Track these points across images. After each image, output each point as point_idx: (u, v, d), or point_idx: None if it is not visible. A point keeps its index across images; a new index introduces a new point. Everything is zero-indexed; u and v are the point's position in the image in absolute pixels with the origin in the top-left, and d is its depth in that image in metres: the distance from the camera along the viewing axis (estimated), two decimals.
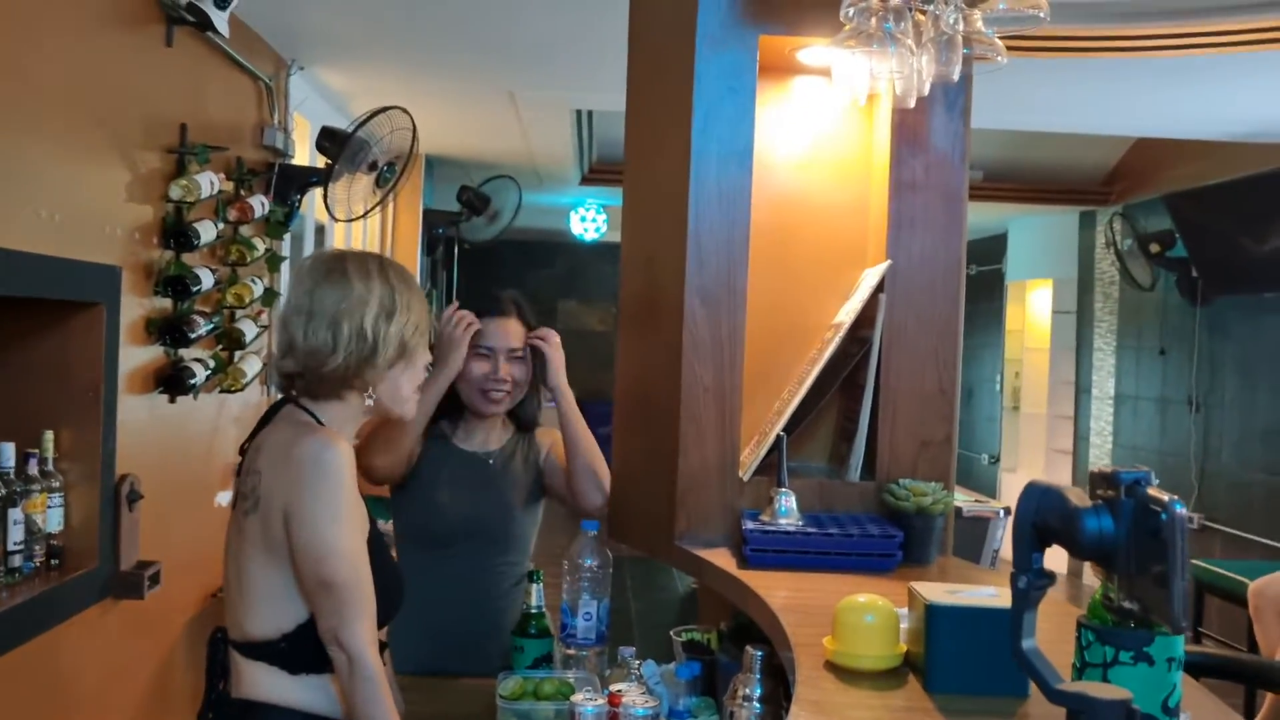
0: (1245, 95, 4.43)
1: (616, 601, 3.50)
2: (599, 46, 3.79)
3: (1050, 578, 0.84)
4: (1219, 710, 1.30)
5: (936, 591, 1.35)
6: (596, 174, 6.98)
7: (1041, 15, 1.57)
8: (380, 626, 1.68)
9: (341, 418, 1.69)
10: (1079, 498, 0.84)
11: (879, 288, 2.14)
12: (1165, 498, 0.81)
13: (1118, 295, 7.28)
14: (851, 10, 1.65)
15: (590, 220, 8.95)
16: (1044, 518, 0.83)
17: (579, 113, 5.54)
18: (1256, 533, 5.81)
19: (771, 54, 2.20)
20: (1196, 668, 2.22)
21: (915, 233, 2.16)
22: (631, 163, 2.39)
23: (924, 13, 1.65)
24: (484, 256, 9.03)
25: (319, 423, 1.67)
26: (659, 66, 2.28)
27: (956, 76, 1.78)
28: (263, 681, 1.63)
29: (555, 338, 2.47)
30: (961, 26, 1.66)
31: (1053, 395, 8.00)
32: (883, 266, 2.15)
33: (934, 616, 1.31)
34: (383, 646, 1.77)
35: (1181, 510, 0.80)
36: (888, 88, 1.95)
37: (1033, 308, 8.41)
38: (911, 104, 1.99)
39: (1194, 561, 4.59)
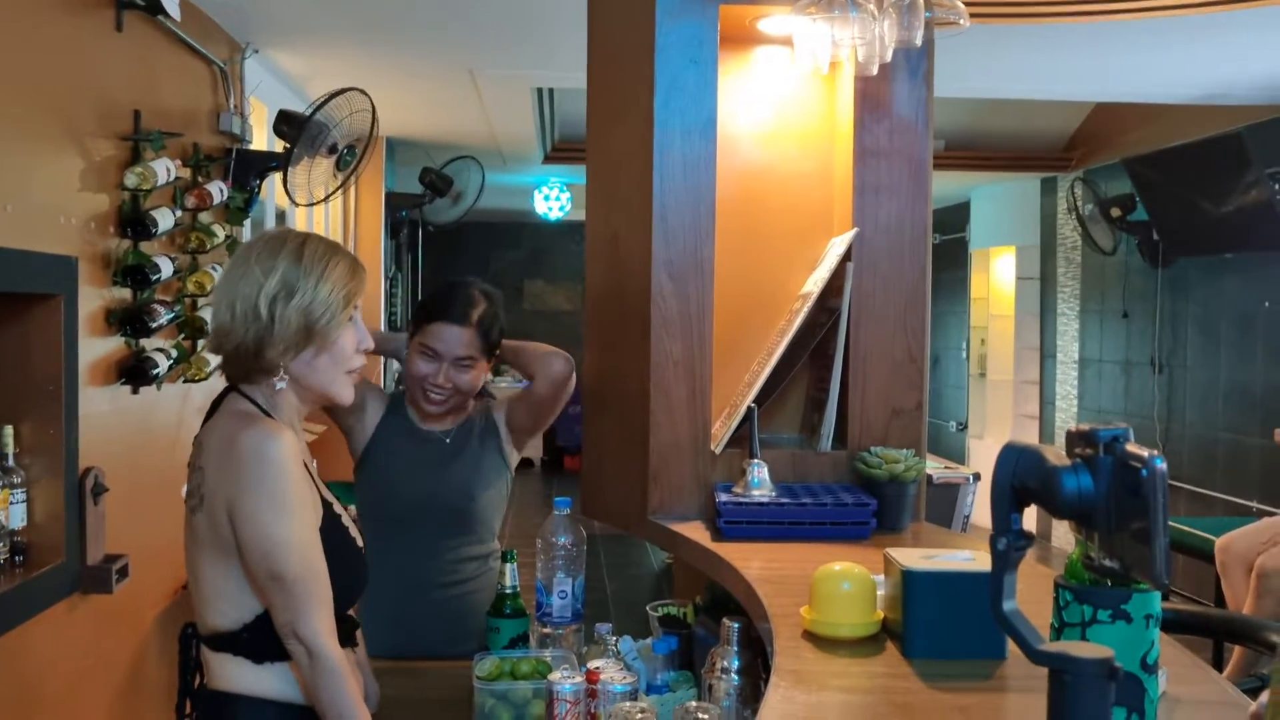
0: (1202, 58, 4.46)
1: (592, 579, 3.50)
2: (559, 23, 3.76)
3: (1030, 539, 0.84)
4: (1193, 664, 1.31)
5: (912, 557, 1.35)
6: (560, 152, 6.93)
7: None
8: (345, 609, 1.67)
9: (284, 403, 1.66)
10: (1057, 457, 0.84)
11: (846, 256, 2.14)
12: (1145, 453, 0.81)
13: (1080, 260, 7.34)
14: None
15: (554, 199, 8.90)
16: (1022, 478, 0.83)
17: (540, 91, 5.49)
18: (1221, 490, 5.89)
19: (732, 24, 2.19)
20: (1168, 624, 2.24)
21: (881, 200, 2.15)
22: (594, 139, 2.37)
23: None
24: (448, 238, 8.98)
25: (263, 410, 1.64)
26: (619, 40, 2.26)
27: (919, 41, 1.77)
28: (231, 673, 1.62)
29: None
30: None
31: (1018, 361, 8.06)
32: (849, 235, 2.14)
33: (911, 582, 1.31)
34: (354, 627, 1.76)
35: (1162, 465, 0.80)
36: (850, 55, 1.94)
37: (997, 275, 8.46)
38: (874, 71, 1.99)
39: None
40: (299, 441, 1.63)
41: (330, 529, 1.64)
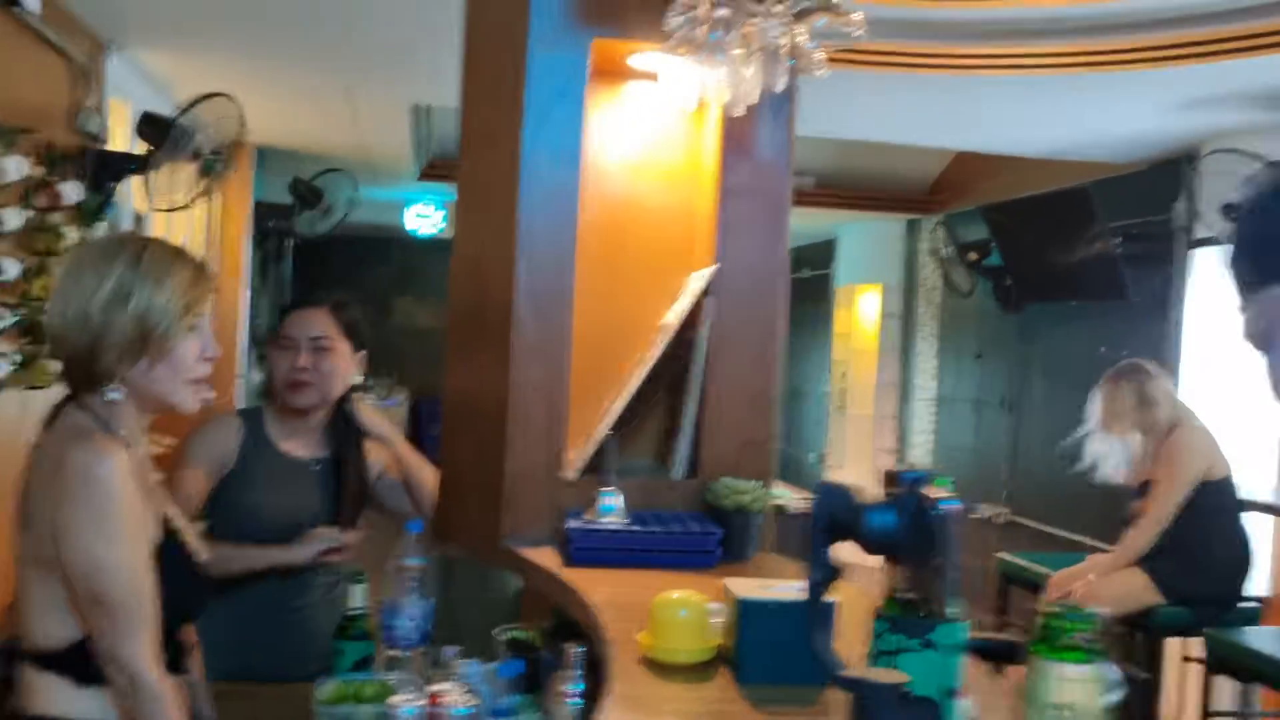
0: (1053, 116, 4.71)
1: (449, 603, 3.47)
2: (440, 44, 3.74)
3: (837, 572, 0.88)
4: (995, 689, 1.38)
5: (747, 587, 1.39)
6: (435, 170, 6.88)
7: (858, 33, 1.64)
8: (178, 630, 1.63)
9: (122, 415, 1.62)
10: (867, 496, 0.89)
11: (705, 291, 2.19)
12: (937, 496, 0.87)
13: (940, 301, 7.62)
14: (679, 19, 1.68)
15: (426, 216, 8.83)
16: (836, 515, 0.88)
17: (418, 108, 5.46)
18: (1061, 527, 6.17)
19: (605, 58, 2.23)
20: (984, 652, 2.35)
21: (741, 238, 2.21)
22: (464, 162, 2.38)
23: (751, 25, 1.70)
24: (317, 251, 8.80)
25: (101, 421, 1.59)
26: (491, 67, 2.27)
27: (781, 87, 1.84)
28: (53, 694, 1.57)
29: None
30: (786, 40, 1.72)
31: (878, 396, 8.30)
32: (709, 271, 2.20)
33: (744, 611, 1.35)
34: (185, 651, 1.72)
35: (954, 507, 0.85)
36: (716, 95, 1.99)
37: (860, 312, 8.71)
38: (739, 112, 2.05)
39: (999, 555, 4.84)
40: (135, 457, 1.59)
41: (168, 548, 1.61)
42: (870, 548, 0.87)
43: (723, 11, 1.62)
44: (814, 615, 0.87)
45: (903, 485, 0.87)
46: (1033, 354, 6.58)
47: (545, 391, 2.15)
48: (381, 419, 2.47)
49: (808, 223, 8.49)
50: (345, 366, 2.43)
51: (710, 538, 2.01)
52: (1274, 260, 0.94)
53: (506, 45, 2.18)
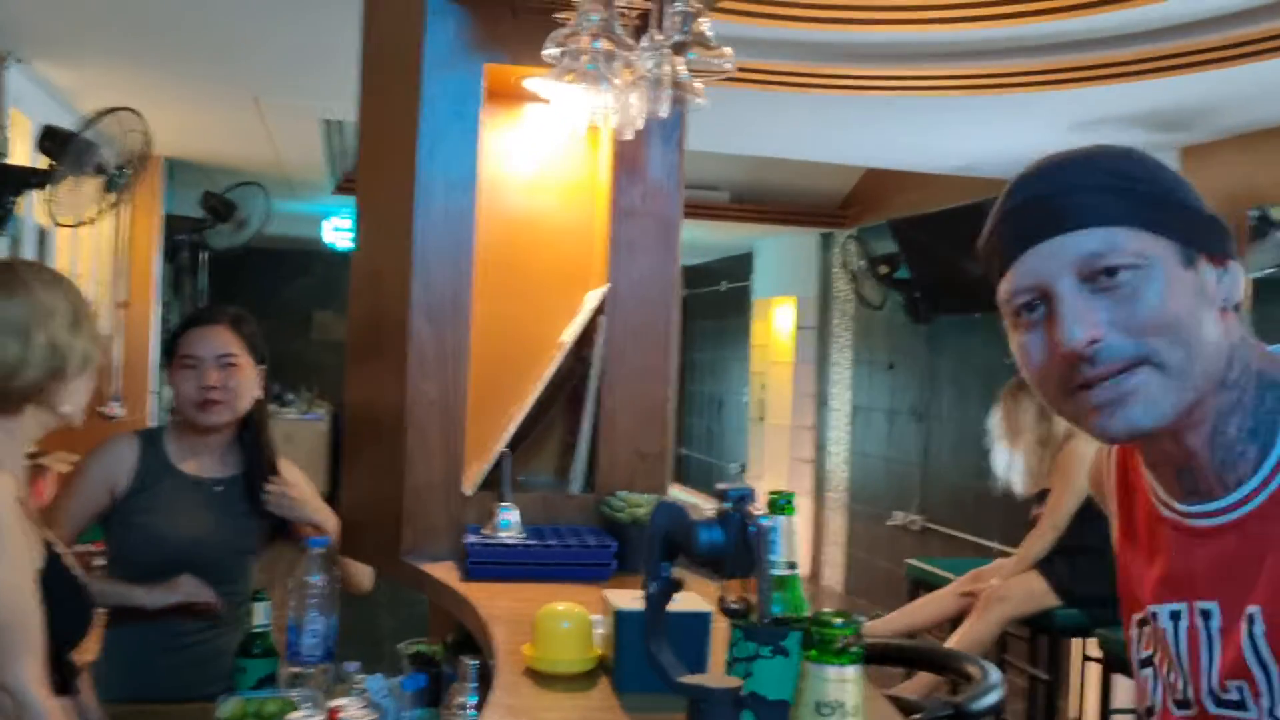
0: (953, 133, 4.86)
1: (367, 617, 3.48)
2: (346, 57, 3.76)
3: (677, 584, 0.94)
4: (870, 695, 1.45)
5: (625, 598, 1.44)
6: (350, 184, 6.86)
7: (728, 65, 1.71)
8: (65, 652, 1.64)
9: (11, 437, 1.63)
10: (699, 513, 0.95)
11: (599, 309, 2.24)
12: (757, 513, 0.93)
13: (853, 313, 7.77)
14: (555, 51, 1.74)
15: (345, 230, 8.79)
16: (669, 531, 0.93)
17: (329, 122, 5.45)
18: (969, 533, 6.34)
19: (501, 80, 2.27)
20: (874, 656, 2.43)
21: (634, 257, 2.27)
22: (362, 179, 2.41)
23: (630, 57, 1.76)
24: (234, 265, 8.69)
25: None
26: (387, 88, 2.31)
27: (665, 113, 1.89)
28: None
29: (290, 481, 2.42)
30: (665, 68, 1.78)
31: (796, 407, 8.43)
32: (603, 290, 2.25)
33: (620, 621, 1.40)
34: (73, 673, 1.72)
35: (767, 524, 0.91)
36: (603, 121, 2.05)
37: (777, 324, 8.85)
38: (629, 136, 2.10)
39: (909, 561, 4.97)
40: (18, 483, 1.60)
41: (51, 571, 1.61)
42: (699, 561, 0.93)
43: (600, 44, 1.68)
44: (652, 625, 0.92)
45: (729, 502, 0.93)
46: (941, 365, 6.76)
47: (442, 406, 2.19)
48: (305, 496, 2.46)
49: (725, 236, 8.61)
50: (250, 382, 2.44)
51: (606, 550, 2.06)
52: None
53: (401, 68, 2.22)
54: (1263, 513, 1.01)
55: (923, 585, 4.90)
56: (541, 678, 1.47)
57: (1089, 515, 3.98)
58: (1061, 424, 4.12)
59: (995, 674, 2.18)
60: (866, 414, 7.65)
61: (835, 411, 8.05)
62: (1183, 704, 1.08)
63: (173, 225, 6.40)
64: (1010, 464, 4.29)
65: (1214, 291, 1.03)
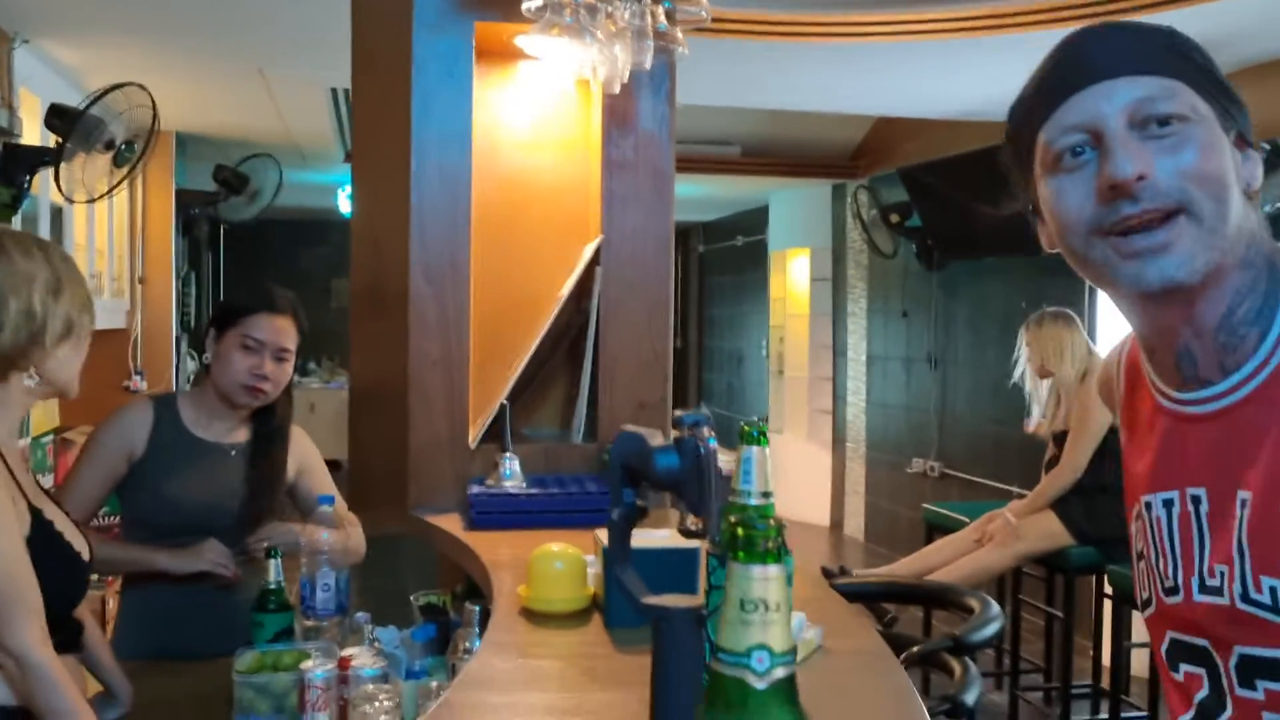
0: (960, 79, 4.84)
1: (389, 573, 3.55)
2: (348, 28, 3.79)
3: (642, 510, 0.98)
4: (851, 618, 1.49)
5: None
6: None
7: (704, 14, 1.73)
8: (63, 614, 1.67)
9: (2, 404, 1.67)
10: (657, 439, 0.98)
11: (594, 261, 2.28)
12: (702, 435, 0.96)
13: (866, 263, 7.76)
14: (537, 5, 1.76)
15: None
16: (629, 459, 0.97)
17: (335, 91, 5.47)
18: (986, 477, 6.36)
19: (494, 39, 2.29)
20: (880, 594, 2.48)
21: (627, 209, 2.30)
22: (358, 145, 2.45)
23: (610, 9, 1.78)
24: (250, 236, 8.78)
25: None
26: (379, 52, 2.34)
27: (648, 65, 1.92)
28: None
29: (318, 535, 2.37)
30: (645, 20, 1.80)
31: (813, 358, 8.45)
32: (597, 241, 2.28)
33: (608, 558, 1.44)
34: (78, 630, 1.76)
35: (713, 446, 0.95)
36: (591, 74, 2.07)
37: (793, 276, 8.85)
38: (616, 89, 2.13)
39: (926, 506, 5.00)
40: (7, 450, 1.64)
41: (39, 537, 1.65)
42: (659, 486, 0.97)
43: None
44: (617, 551, 0.96)
45: (683, 427, 0.97)
46: (955, 310, 6.75)
47: (445, 364, 2.23)
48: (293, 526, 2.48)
49: (740, 190, 8.59)
50: (290, 373, 2.48)
51: (606, 497, 2.10)
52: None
53: (392, 30, 2.25)
54: (1257, 396, 1.02)
55: (939, 529, 4.94)
56: (536, 616, 1.52)
57: (1107, 454, 4.00)
58: (1079, 361, 4.13)
59: (994, 607, 2.22)
60: (882, 363, 7.66)
61: (852, 361, 8.06)
62: (1171, 590, 1.09)
63: (186, 199, 6.45)
64: (1036, 394, 4.34)
65: (1240, 171, 1.06)
